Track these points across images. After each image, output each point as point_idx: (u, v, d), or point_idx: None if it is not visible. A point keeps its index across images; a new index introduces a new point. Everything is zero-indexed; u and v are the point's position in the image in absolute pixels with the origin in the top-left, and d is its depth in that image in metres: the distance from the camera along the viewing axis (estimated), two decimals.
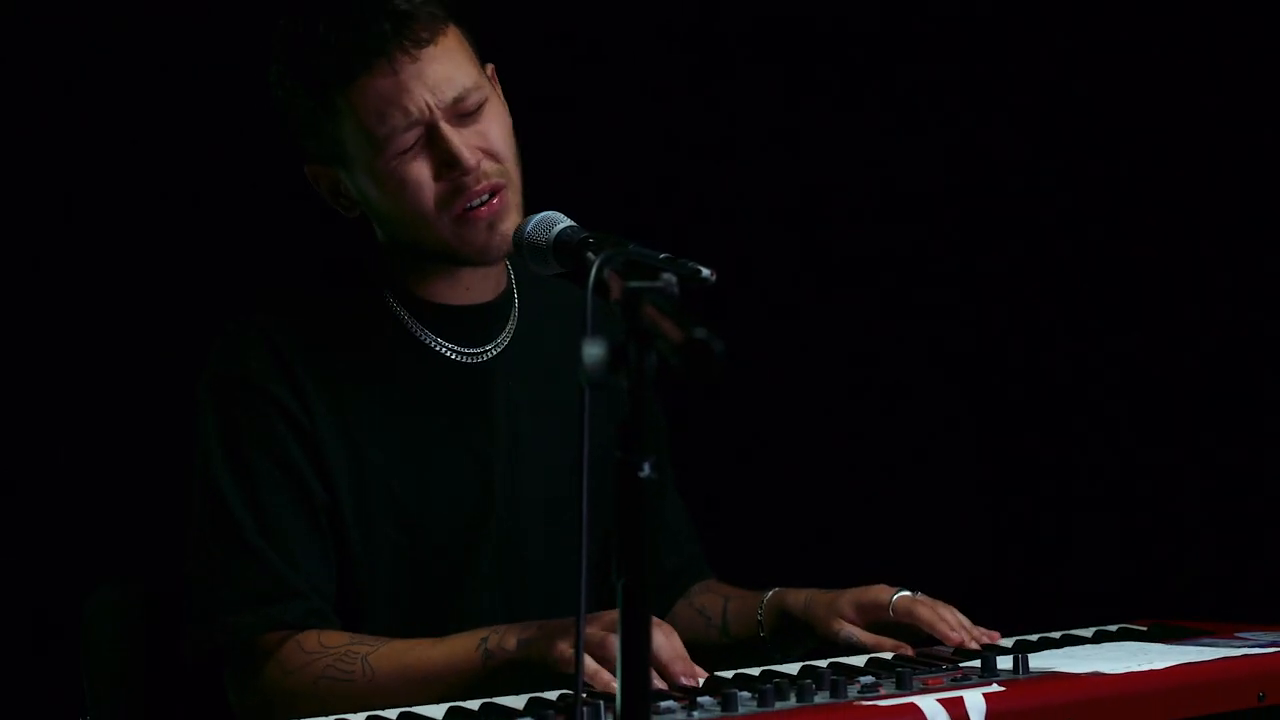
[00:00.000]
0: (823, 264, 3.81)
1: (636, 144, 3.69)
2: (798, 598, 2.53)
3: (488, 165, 2.38)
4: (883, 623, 2.45)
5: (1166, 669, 2.15)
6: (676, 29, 3.77)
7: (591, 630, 2.19)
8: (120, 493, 3.31)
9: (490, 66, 2.47)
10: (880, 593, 2.46)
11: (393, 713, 2.11)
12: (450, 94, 2.36)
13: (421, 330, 2.48)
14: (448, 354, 2.48)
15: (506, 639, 2.27)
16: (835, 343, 3.79)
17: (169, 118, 3.36)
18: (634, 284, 1.72)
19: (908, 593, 2.45)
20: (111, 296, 3.35)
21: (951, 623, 2.40)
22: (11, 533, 3.27)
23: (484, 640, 2.28)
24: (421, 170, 2.37)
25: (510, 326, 2.54)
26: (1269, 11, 3.40)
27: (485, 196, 2.38)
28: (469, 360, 2.50)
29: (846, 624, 2.45)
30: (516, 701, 2.14)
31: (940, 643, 2.40)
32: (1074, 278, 3.64)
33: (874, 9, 3.75)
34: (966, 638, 2.39)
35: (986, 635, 2.41)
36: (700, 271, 2.01)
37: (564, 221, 2.25)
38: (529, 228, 2.27)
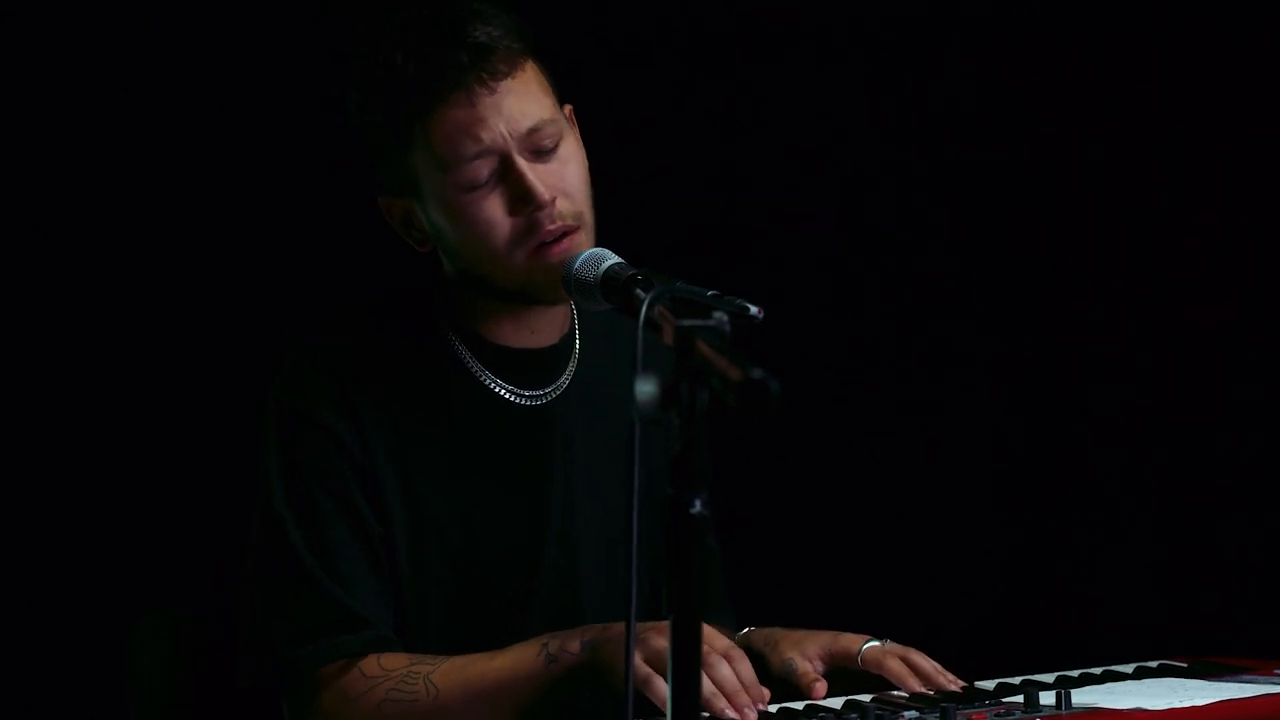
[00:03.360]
0: (839, 286, 3.81)
1: (641, 171, 3.68)
2: (761, 635, 2.51)
3: (563, 204, 2.36)
4: (849, 671, 2.42)
5: (1208, 705, 2.15)
6: (694, 64, 3.78)
7: (661, 642, 2.18)
8: (167, 522, 3.33)
9: (568, 107, 2.45)
10: (850, 641, 2.43)
11: None
12: (525, 125, 2.34)
13: (482, 371, 2.46)
14: (507, 396, 2.47)
15: (569, 642, 2.27)
16: (856, 371, 3.79)
17: (236, 138, 3.39)
18: (686, 322, 1.74)
19: (877, 642, 2.42)
20: (169, 325, 3.36)
21: (927, 671, 2.36)
22: (58, 562, 3.29)
23: (545, 645, 2.29)
24: (495, 207, 2.35)
25: (571, 369, 2.52)
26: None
27: (559, 235, 2.35)
28: (528, 403, 2.48)
29: (798, 657, 2.42)
30: None
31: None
32: (1106, 300, 3.64)
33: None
34: (938, 689, 2.35)
35: (953, 684, 2.37)
36: (748, 309, 2.02)
37: (611, 258, 2.26)
38: (577, 264, 2.28)
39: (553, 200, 2.35)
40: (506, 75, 2.34)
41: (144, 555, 3.31)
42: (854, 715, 2.09)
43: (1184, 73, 3.54)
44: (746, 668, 2.22)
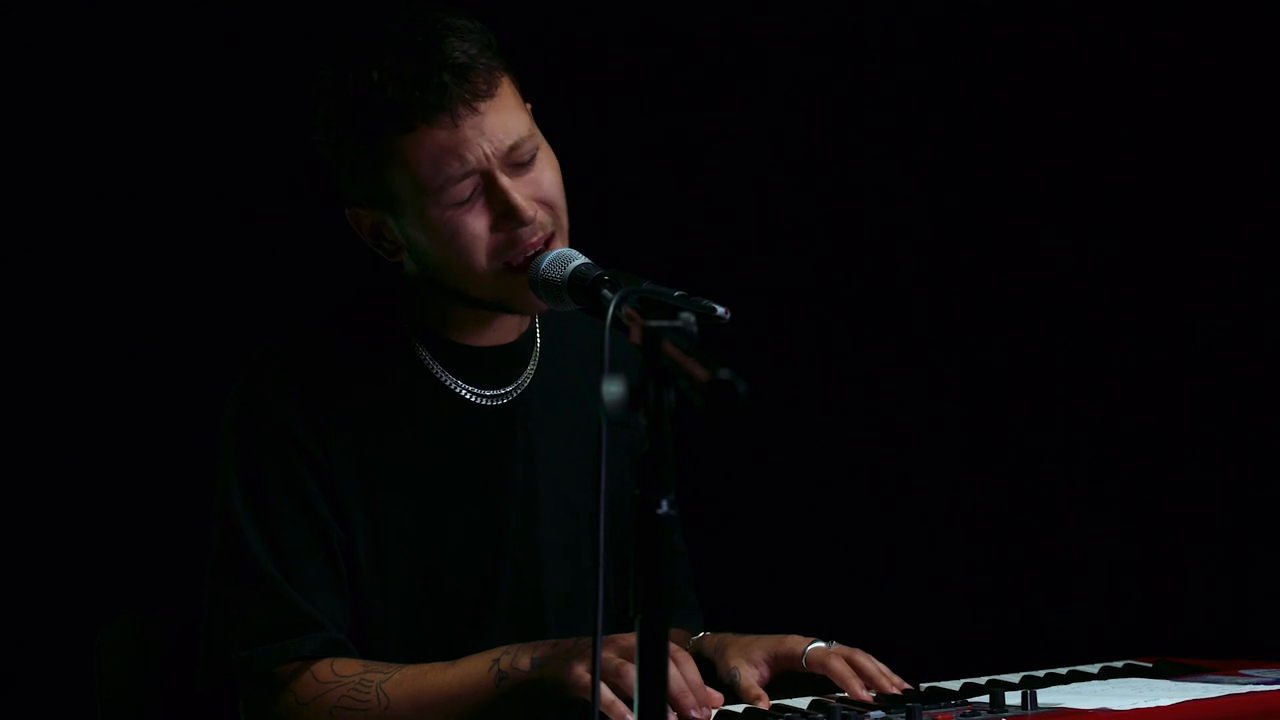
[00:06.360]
0: (814, 286, 3.82)
1: (608, 171, 3.68)
2: (712, 640, 2.51)
3: (542, 215, 2.36)
4: (795, 673, 2.42)
5: (1173, 705, 2.17)
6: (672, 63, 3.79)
7: (608, 655, 2.19)
8: (135, 527, 3.32)
9: (528, 105, 2.44)
10: (795, 643, 2.43)
11: None
12: (507, 143, 2.34)
13: (442, 372, 2.47)
14: (468, 396, 2.47)
15: (520, 658, 2.28)
16: (827, 371, 3.79)
17: (207, 143, 3.39)
18: (654, 323, 1.74)
19: (822, 644, 2.42)
20: (135, 331, 3.36)
21: (871, 672, 2.36)
22: (27, 566, 3.29)
23: (496, 661, 2.29)
24: (478, 222, 2.35)
25: (531, 367, 2.53)
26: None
27: (540, 248, 2.35)
28: (489, 402, 2.49)
29: (743, 665, 2.41)
30: None
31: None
32: (1082, 304, 3.65)
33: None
34: (879, 691, 2.35)
35: (896, 687, 2.36)
36: (715, 309, 2.02)
37: (578, 258, 2.27)
38: (544, 264, 2.28)
39: (535, 214, 2.35)
40: (487, 94, 2.33)
41: (112, 559, 3.31)
42: (820, 715, 2.09)
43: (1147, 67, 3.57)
44: (692, 669, 2.23)
